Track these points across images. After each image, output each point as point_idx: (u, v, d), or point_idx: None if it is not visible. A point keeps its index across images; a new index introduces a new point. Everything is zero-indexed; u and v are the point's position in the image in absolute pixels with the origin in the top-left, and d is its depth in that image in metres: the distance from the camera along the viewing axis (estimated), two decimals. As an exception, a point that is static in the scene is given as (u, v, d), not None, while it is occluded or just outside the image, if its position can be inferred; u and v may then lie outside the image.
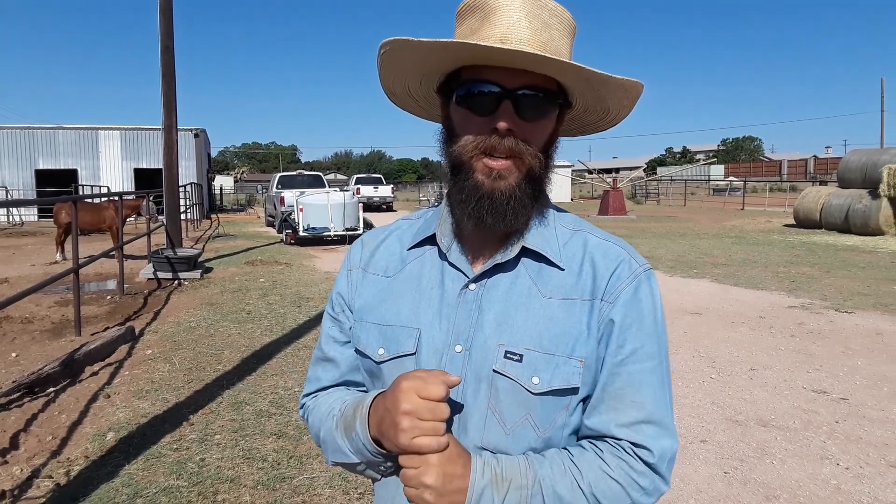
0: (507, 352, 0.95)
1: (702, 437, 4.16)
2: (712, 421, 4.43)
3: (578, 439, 0.99)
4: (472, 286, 1.00)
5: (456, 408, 0.97)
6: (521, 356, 0.94)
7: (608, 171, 69.55)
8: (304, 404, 1.15)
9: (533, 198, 0.98)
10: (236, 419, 4.41)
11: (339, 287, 1.14)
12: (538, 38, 0.93)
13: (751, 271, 10.99)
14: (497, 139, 0.94)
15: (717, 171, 63.32)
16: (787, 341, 6.47)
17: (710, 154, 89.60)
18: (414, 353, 1.01)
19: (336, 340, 1.12)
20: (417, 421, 0.87)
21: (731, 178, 53.27)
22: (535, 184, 0.97)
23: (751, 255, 13.13)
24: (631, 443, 0.93)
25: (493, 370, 0.95)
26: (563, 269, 0.99)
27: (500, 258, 0.99)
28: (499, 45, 0.88)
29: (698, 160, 74.95)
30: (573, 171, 40.86)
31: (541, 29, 0.93)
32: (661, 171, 62.09)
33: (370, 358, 1.05)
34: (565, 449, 0.96)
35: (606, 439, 0.94)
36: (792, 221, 20.38)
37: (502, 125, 0.93)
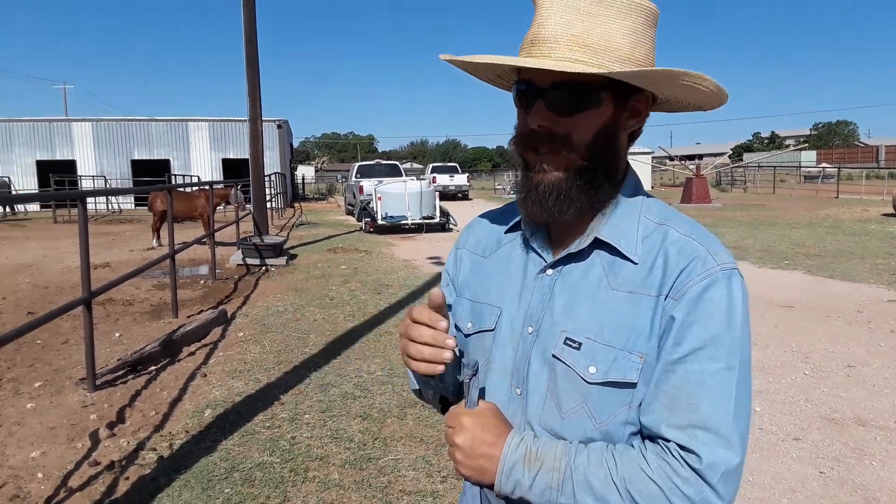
0: (567, 338, 0.97)
1: (795, 435, 4.02)
2: (806, 419, 4.27)
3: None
4: (549, 271, 1.03)
5: (520, 386, 1.02)
6: (580, 344, 0.96)
7: (691, 157, 67.21)
8: None
9: (584, 190, 0.97)
10: (324, 400, 4.57)
11: (448, 264, 1.22)
12: (568, 32, 0.93)
13: (846, 263, 10.43)
14: (535, 135, 0.97)
15: (809, 157, 60.11)
16: (886, 337, 6.13)
17: (801, 139, 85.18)
18: (493, 330, 1.06)
19: None
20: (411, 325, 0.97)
21: (823, 165, 50.43)
22: (585, 175, 0.97)
23: (846, 246, 12.45)
24: (679, 445, 0.88)
25: (553, 355, 0.98)
26: (636, 263, 0.97)
27: (574, 248, 1.01)
28: (488, 60, 0.94)
29: (788, 146, 71.37)
30: (653, 157, 39.64)
31: (574, 21, 0.93)
32: (747, 157, 59.37)
33: (461, 331, 1.12)
34: (612, 444, 0.94)
35: (658, 440, 0.91)
36: (891, 210, 19.16)
37: (532, 122, 0.97)
